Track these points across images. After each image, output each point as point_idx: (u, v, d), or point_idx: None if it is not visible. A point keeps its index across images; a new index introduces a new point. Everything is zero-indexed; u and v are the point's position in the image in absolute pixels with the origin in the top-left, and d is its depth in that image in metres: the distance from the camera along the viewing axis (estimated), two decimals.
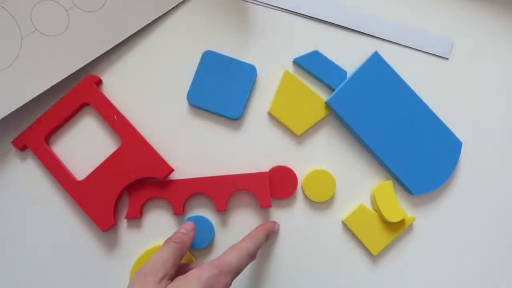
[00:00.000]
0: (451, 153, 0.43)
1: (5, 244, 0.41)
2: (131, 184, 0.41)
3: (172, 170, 0.41)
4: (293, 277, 0.43)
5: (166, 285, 0.32)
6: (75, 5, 0.40)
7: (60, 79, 0.40)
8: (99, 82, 0.42)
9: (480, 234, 0.44)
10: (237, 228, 0.42)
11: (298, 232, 0.43)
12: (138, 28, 0.42)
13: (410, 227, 0.43)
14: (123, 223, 0.42)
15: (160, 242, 0.42)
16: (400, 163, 0.42)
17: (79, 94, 0.41)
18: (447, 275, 0.44)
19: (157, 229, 0.42)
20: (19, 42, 0.39)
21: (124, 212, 0.42)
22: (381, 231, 0.42)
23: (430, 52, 0.44)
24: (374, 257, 0.43)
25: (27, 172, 0.42)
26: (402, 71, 0.42)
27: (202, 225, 0.41)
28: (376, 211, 0.43)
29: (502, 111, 0.45)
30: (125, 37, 0.41)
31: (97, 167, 0.40)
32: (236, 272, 0.34)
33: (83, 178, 0.40)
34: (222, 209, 0.41)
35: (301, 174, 0.43)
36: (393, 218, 0.42)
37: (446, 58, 0.44)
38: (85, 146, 0.42)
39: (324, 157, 0.43)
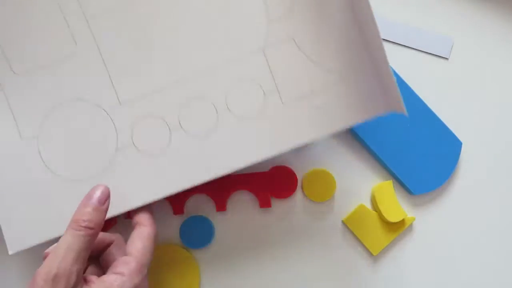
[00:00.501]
0: (451, 153, 0.43)
1: None
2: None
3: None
4: (292, 277, 0.43)
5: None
6: (181, 127, 0.36)
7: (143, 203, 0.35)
8: None
9: (480, 234, 0.44)
10: (237, 228, 0.42)
11: (298, 232, 0.43)
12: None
13: (410, 227, 0.43)
14: (123, 223, 0.42)
15: (161, 243, 0.42)
16: (400, 163, 0.42)
17: None
18: (447, 275, 0.44)
19: (157, 230, 0.42)
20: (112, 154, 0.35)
21: None
22: (381, 231, 0.42)
23: (430, 52, 0.44)
24: (374, 257, 0.43)
25: None
26: (402, 71, 0.42)
27: (202, 225, 0.41)
28: (376, 211, 0.43)
29: (502, 111, 0.44)
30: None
31: None
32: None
33: None
34: (222, 209, 0.41)
35: (301, 174, 0.43)
36: (393, 218, 0.42)
37: (446, 58, 0.44)
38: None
39: (324, 157, 0.43)
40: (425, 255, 0.44)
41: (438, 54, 0.44)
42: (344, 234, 0.43)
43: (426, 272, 0.44)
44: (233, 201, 0.42)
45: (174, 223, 0.42)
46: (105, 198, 0.31)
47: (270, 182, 0.41)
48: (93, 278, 0.30)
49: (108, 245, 0.34)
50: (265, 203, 0.41)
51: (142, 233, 0.33)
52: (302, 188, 0.43)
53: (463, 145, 0.43)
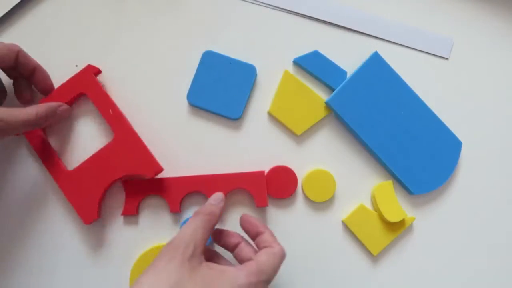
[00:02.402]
0: (451, 153, 0.43)
1: None
2: (119, 180, 0.41)
3: (162, 170, 0.40)
4: (293, 277, 0.43)
5: (199, 264, 0.31)
6: None
7: None
8: (98, 73, 0.42)
9: (480, 234, 0.44)
10: (237, 227, 0.42)
11: (298, 232, 0.43)
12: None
13: (410, 227, 0.43)
14: (119, 220, 0.42)
15: (157, 241, 0.42)
16: (400, 163, 0.42)
17: (77, 83, 0.40)
18: (447, 275, 0.44)
19: (154, 227, 0.42)
20: None
21: (119, 208, 0.42)
22: (381, 231, 0.42)
23: (430, 52, 0.44)
24: (374, 257, 0.43)
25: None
26: (402, 71, 0.42)
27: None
28: (376, 211, 0.43)
29: (502, 111, 0.44)
30: None
31: (87, 159, 0.40)
32: (270, 282, 0.33)
33: (72, 169, 0.40)
34: None
35: (301, 174, 0.43)
36: (393, 218, 0.42)
37: (446, 58, 0.44)
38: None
39: (324, 157, 0.43)
40: (425, 255, 0.44)
41: (438, 54, 0.44)
42: (344, 234, 0.43)
43: (426, 272, 0.44)
44: (233, 200, 0.42)
45: (171, 221, 0.42)
46: (221, 202, 0.37)
47: (270, 182, 0.41)
48: (213, 264, 0.32)
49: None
50: (261, 202, 0.41)
51: (272, 250, 0.34)
52: (302, 188, 0.43)
53: (463, 145, 0.43)
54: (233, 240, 0.37)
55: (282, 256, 0.34)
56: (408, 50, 0.44)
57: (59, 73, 0.41)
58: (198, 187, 0.41)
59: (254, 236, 0.36)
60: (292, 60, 0.43)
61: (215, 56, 0.42)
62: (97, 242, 0.42)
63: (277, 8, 0.43)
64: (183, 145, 0.42)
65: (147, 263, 0.41)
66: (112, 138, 0.40)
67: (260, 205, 0.41)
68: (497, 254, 0.44)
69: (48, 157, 0.40)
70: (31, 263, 0.41)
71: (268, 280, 0.33)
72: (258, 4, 0.43)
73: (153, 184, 0.41)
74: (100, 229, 0.41)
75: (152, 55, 0.43)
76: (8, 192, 0.42)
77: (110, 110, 0.40)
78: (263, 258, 0.33)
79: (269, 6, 0.43)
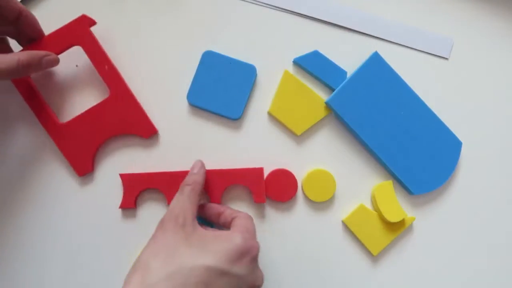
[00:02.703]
0: (451, 153, 0.43)
1: None
2: (113, 137, 0.41)
3: (156, 131, 0.41)
4: (293, 276, 0.43)
5: (193, 230, 0.33)
6: None
7: None
8: (92, 25, 0.40)
9: (480, 234, 0.44)
10: None
11: (298, 232, 0.43)
12: None
13: (410, 227, 0.43)
14: (117, 214, 0.41)
15: None
16: (400, 163, 0.42)
17: (70, 33, 0.39)
18: (447, 275, 0.44)
19: (152, 221, 0.41)
20: None
21: (117, 201, 0.41)
22: (381, 231, 0.42)
23: (430, 52, 0.44)
24: (374, 257, 0.43)
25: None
26: (402, 71, 0.42)
27: (202, 225, 0.41)
28: (376, 211, 0.43)
29: (502, 111, 0.44)
30: None
31: (82, 113, 0.40)
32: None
33: (65, 121, 0.40)
34: (217, 202, 0.40)
35: (301, 174, 0.43)
36: (393, 218, 0.42)
37: (446, 58, 0.44)
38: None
39: (324, 157, 0.43)
40: (425, 255, 0.44)
41: (438, 54, 0.44)
42: (344, 234, 0.43)
43: (426, 272, 0.44)
44: (233, 199, 0.42)
45: None
46: (202, 168, 0.38)
47: (270, 186, 0.42)
48: (207, 230, 0.34)
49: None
50: (259, 198, 0.40)
51: (244, 216, 0.37)
52: (302, 188, 0.43)
53: (463, 145, 0.43)
54: (216, 210, 0.38)
55: (252, 218, 0.37)
56: (408, 50, 0.44)
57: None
58: None
59: (217, 217, 0.38)
60: (292, 60, 0.43)
61: (215, 56, 0.42)
62: (96, 235, 0.42)
63: (277, 8, 0.43)
64: (182, 144, 0.42)
65: None
66: (107, 94, 0.40)
67: (258, 201, 0.41)
68: (497, 254, 0.44)
69: (40, 108, 0.40)
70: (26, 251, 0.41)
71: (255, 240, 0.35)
72: (258, 4, 0.43)
73: (151, 178, 0.41)
74: (98, 222, 0.41)
75: (152, 55, 0.43)
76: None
77: (106, 66, 0.40)
78: (243, 221, 0.35)
79: (269, 6, 0.43)
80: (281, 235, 0.43)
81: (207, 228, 0.37)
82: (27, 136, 0.42)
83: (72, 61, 0.41)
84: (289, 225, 0.43)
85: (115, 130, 0.40)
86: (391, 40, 0.44)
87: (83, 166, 0.40)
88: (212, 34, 0.43)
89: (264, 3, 0.43)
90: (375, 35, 0.44)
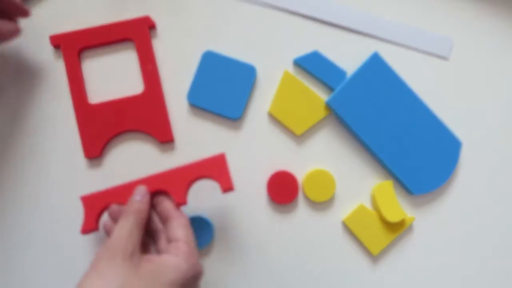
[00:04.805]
0: (451, 153, 0.43)
1: None
2: (130, 132, 0.42)
3: (172, 140, 0.42)
4: (293, 276, 0.43)
5: (140, 260, 0.31)
6: None
7: None
8: (152, 27, 0.42)
9: (480, 234, 0.44)
10: (237, 228, 0.42)
11: (298, 232, 0.43)
12: None
13: (410, 227, 0.43)
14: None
15: None
16: (400, 163, 0.42)
17: (129, 27, 0.42)
18: (447, 275, 0.44)
19: None
20: None
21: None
22: (381, 231, 0.43)
23: (430, 52, 0.44)
24: (374, 257, 0.43)
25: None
26: (402, 71, 0.42)
27: (202, 225, 0.41)
28: (376, 211, 0.43)
29: (502, 111, 0.44)
30: None
31: (111, 100, 0.41)
32: None
33: (93, 103, 0.41)
34: (184, 203, 0.37)
35: (301, 174, 0.43)
36: (393, 218, 0.42)
37: (446, 58, 0.44)
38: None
39: (324, 157, 0.43)
40: (425, 255, 0.44)
41: (438, 54, 0.44)
42: (344, 234, 0.43)
43: (426, 272, 0.44)
44: (234, 199, 0.42)
45: None
46: (146, 195, 0.36)
47: (272, 188, 0.42)
48: (152, 257, 0.33)
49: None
50: (226, 185, 0.37)
51: (181, 222, 0.35)
52: (302, 188, 0.43)
53: (463, 145, 0.43)
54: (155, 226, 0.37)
55: (188, 223, 0.36)
56: (408, 50, 0.44)
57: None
58: (159, 185, 0.38)
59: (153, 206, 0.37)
60: (292, 60, 0.43)
61: (215, 56, 0.42)
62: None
63: (277, 8, 0.43)
64: (182, 144, 0.42)
65: None
66: (141, 91, 0.42)
67: (226, 189, 0.37)
68: (497, 254, 0.44)
69: (76, 83, 0.41)
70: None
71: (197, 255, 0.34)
72: (258, 4, 0.43)
73: (110, 194, 0.38)
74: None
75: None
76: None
77: (149, 65, 0.41)
78: (182, 233, 0.34)
79: (269, 6, 0.43)
80: (281, 235, 0.43)
81: (148, 249, 0.36)
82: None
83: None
84: (289, 225, 0.43)
85: (134, 125, 0.41)
86: (391, 40, 0.44)
87: (93, 149, 0.41)
88: (212, 34, 0.43)
89: (264, 3, 0.43)
90: (375, 35, 0.44)
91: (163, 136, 0.42)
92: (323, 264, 0.43)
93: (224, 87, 0.42)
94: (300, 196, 0.43)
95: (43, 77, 0.42)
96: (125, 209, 0.35)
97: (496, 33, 0.45)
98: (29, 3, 0.42)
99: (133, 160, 0.42)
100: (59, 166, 0.42)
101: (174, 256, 0.33)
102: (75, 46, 0.42)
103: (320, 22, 0.44)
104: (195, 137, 0.42)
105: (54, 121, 0.42)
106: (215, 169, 0.38)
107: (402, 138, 0.42)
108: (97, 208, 0.38)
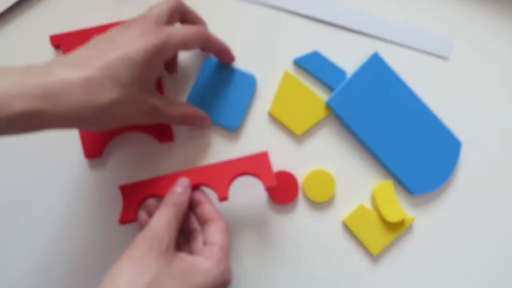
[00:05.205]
0: (450, 153, 0.43)
1: None
2: (130, 132, 0.41)
3: (172, 140, 0.41)
4: (293, 277, 0.43)
5: (173, 257, 0.32)
6: None
7: None
8: None
9: (480, 234, 0.44)
10: (237, 228, 0.42)
11: (298, 232, 0.43)
12: None
13: (410, 227, 0.43)
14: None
15: None
16: (400, 163, 0.42)
17: None
18: (447, 275, 0.44)
19: None
20: None
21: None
22: (381, 231, 0.43)
23: (430, 52, 0.44)
24: (374, 257, 0.43)
25: None
26: (402, 71, 0.42)
27: None
28: (376, 211, 0.43)
29: (502, 111, 0.44)
30: None
31: None
32: None
33: None
34: (225, 198, 0.38)
35: (301, 174, 0.43)
36: (393, 218, 0.42)
37: (446, 58, 0.44)
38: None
39: (324, 157, 0.43)
40: (425, 255, 0.44)
41: (438, 54, 0.44)
42: (344, 234, 0.43)
43: (426, 272, 0.44)
44: (235, 200, 0.42)
45: None
46: (188, 188, 0.37)
47: (271, 188, 0.41)
48: (185, 256, 0.33)
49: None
50: (270, 182, 0.38)
51: (220, 227, 0.35)
52: (302, 188, 0.43)
53: (463, 145, 0.43)
54: (196, 198, 0.37)
55: (228, 228, 0.36)
56: (408, 50, 0.44)
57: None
58: (201, 179, 0.38)
59: (195, 206, 0.37)
60: (292, 60, 0.43)
61: (216, 63, 0.42)
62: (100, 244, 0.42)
63: (277, 8, 0.43)
64: (182, 145, 0.42)
65: None
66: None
67: (269, 186, 0.38)
68: (497, 254, 0.44)
69: None
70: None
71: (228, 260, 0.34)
72: (258, 4, 0.43)
73: (150, 185, 0.38)
74: (100, 233, 0.42)
75: None
76: None
77: None
78: (220, 237, 0.34)
79: (269, 6, 0.43)
80: (281, 234, 0.43)
81: (181, 246, 0.36)
82: None
83: None
84: (289, 225, 0.43)
85: (136, 126, 0.41)
86: (391, 40, 0.44)
87: (93, 150, 0.41)
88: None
89: (264, 3, 0.43)
90: (375, 35, 0.44)
91: (163, 137, 0.41)
92: (323, 264, 0.43)
93: (223, 96, 0.42)
94: (300, 196, 0.43)
95: None
96: (165, 200, 0.35)
97: (496, 33, 0.44)
98: (29, 3, 0.42)
99: (134, 161, 0.42)
100: (59, 167, 0.42)
101: (207, 259, 0.33)
102: (75, 46, 0.41)
103: (320, 22, 0.44)
104: (195, 137, 0.42)
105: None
106: (259, 166, 0.38)
107: (402, 138, 0.42)
108: (136, 198, 0.38)
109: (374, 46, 0.43)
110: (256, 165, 0.38)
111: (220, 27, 0.43)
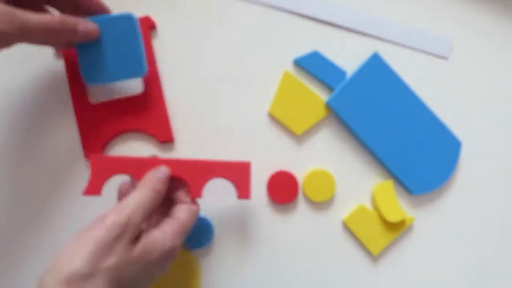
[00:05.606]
0: (450, 153, 0.43)
1: None
2: (130, 131, 0.41)
3: (172, 140, 0.41)
4: (293, 276, 0.43)
5: (137, 243, 0.31)
6: None
7: None
8: (152, 28, 0.42)
9: (480, 234, 0.44)
10: (237, 228, 0.42)
11: (298, 232, 0.43)
12: None
13: (410, 227, 0.43)
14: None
15: None
16: (400, 163, 0.42)
17: None
18: (447, 275, 0.44)
19: None
20: None
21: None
22: (381, 231, 0.43)
23: (430, 52, 0.44)
24: (374, 257, 0.43)
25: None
26: (402, 71, 0.42)
27: (202, 225, 0.41)
28: (376, 211, 0.43)
29: (502, 111, 0.44)
30: None
31: (111, 100, 0.41)
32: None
33: (93, 103, 0.41)
34: (198, 196, 0.37)
35: (301, 174, 0.43)
36: (393, 218, 0.42)
37: (446, 58, 0.44)
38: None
39: (324, 157, 0.43)
40: (425, 255, 0.44)
41: (438, 54, 0.44)
42: (344, 234, 0.43)
43: (426, 272, 0.44)
44: (234, 200, 0.42)
45: None
46: (167, 179, 0.36)
47: (272, 188, 0.42)
48: (144, 238, 0.32)
49: None
50: (244, 194, 0.38)
51: (191, 208, 0.36)
52: (302, 188, 0.43)
53: (463, 145, 0.43)
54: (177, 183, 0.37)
55: (197, 214, 0.36)
56: (408, 50, 0.44)
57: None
58: (178, 172, 0.37)
59: (174, 189, 0.37)
60: (292, 60, 0.43)
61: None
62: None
63: (277, 8, 0.43)
64: (183, 145, 0.42)
65: None
66: (141, 91, 0.41)
67: (242, 197, 0.38)
68: (497, 254, 0.44)
69: (76, 83, 0.41)
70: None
71: (185, 236, 0.35)
72: (258, 4, 0.43)
73: (124, 163, 0.37)
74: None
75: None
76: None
77: (149, 65, 0.41)
78: (185, 216, 0.35)
79: (269, 6, 0.43)
80: (281, 234, 0.43)
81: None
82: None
83: None
84: (289, 225, 0.43)
85: (135, 126, 0.41)
86: (391, 40, 0.44)
87: (93, 150, 0.41)
88: (212, 34, 0.43)
89: (264, 3, 0.43)
90: (375, 35, 0.44)
91: (163, 136, 0.42)
92: (323, 264, 0.43)
93: (113, 50, 0.38)
94: (300, 196, 0.43)
95: (43, 77, 0.42)
96: (147, 183, 0.34)
97: (496, 33, 0.45)
98: None
99: None
100: (59, 167, 0.42)
101: (161, 233, 0.33)
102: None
103: (320, 22, 0.44)
104: (195, 137, 0.42)
105: (54, 121, 0.42)
106: (238, 175, 0.38)
107: (402, 138, 0.42)
108: (106, 173, 0.37)
109: (374, 46, 0.43)
110: (236, 173, 0.38)
111: (220, 27, 0.43)
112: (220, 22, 0.43)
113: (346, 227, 0.43)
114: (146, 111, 0.41)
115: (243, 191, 0.38)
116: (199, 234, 0.41)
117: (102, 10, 0.38)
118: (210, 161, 0.38)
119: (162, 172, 0.36)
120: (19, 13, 0.31)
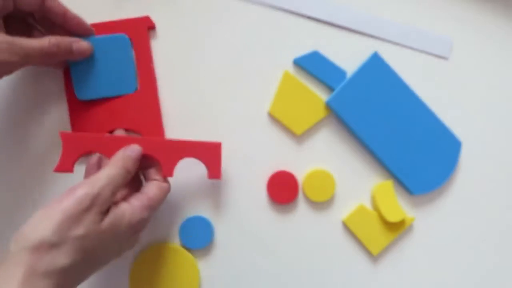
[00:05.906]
0: (450, 153, 0.43)
1: None
2: (124, 130, 0.41)
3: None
4: (293, 276, 0.43)
5: (105, 217, 0.32)
6: None
7: None
8: (151, 28, 0.42)
9: (480, 234, 0.44)
10: (237, 228, 0.42)
11: (298, 232, 0.43)
12: None
13: (410, 227, 0.43)
14: None
15: (161, 243, 0.42)
16: (400, 163, 0.42)
17: (128, 26, 0.41)
18: (447, 275, 0.44)
19: (156, 231, 0.42)
20: None
21: None
22: (381, 231, 0.43)
23: (430, 52, 0.44)
24: (374, 257, 0.43)
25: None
26: (402, 71, 0.42)
27: (202, 225, 0.41)
28: (376, 211, 0.43)
29: (502, 111, 0.44)
30: None
31: (105, 98, 0.41)
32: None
33: (88, 101, 0.41)
34: (169, 175, 0.38)
35: (301, 174, 0.43)
36: (393, 218, 0.42)
37: (446, 58, 0.44)
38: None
39: (324, 157, 0.43)
40: (425, 255, 0.44)
41: (438, 54, 0.44)
42: (344, 234, 0.43)
43: (426, 272, 0.44)
44: (233, 199, 0.42)
45: (174, 223, 0.42)
46: (138, 159, 0.36)
47: (272, 188, 0.42)
48: (112, 212, 0.33)
49: None
50: (214, 174, 0.38)
51: (162, 185, 0.37)
52: (302, 188, 0.43)
53: (463, 145, 0.43)
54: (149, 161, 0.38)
55: (168, 192, 0.37)
56: (408, 50, 0.44)
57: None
58: (149, 151, 0.37)
59: (147, 166, 0.38)
60: (292, 60, 0.43)
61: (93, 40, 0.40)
62: None
63: (277, 8, 0.43)
64: None
65: (147, 263, 0.41)
66: (135, 90, 0.41)
67: (213, 177, 0.38)
68: (498, 254, 0.44)
69: (71, 80, 0.41)
70: None
71: (154, 212, 0.36)
72: (258, 4, 0.43)
73: (95, 141, 0.37)
74: None
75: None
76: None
77: (145, 65, 0.41)
78: (154, 192, 0.36)
79: (269, 6, 0.43)
80: (281, 235, 0.43)
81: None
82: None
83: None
84: (289, 225, 0.43)
85: (127, 125, 0.41)
86: (391, 40, 0.44)
87: None
88: (212, 34, 0.43)
89: (264, 3, 0.43)
90: (375, 35, 0.44)
91: (155, 136, 0.41)
92: (323, 264, 0.43)
93: (106, 68, 0.40)
94: (300, 196, 0.43)
95: (38, 75, 0.42)
96: (117, 160, 0.35)
97: (496, 33, 0.45)
98: None
99: None
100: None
101: (129, 207, 0.34)
102: None
103: (320, 22, 0.43)
104: (195, 137, 0.42)
105: (49, 119, 0.42)
106: (209, 155, 0.38)
107: (402, 138, 0.42)
108: (77, 150, 0.37)
109: (374, 46, 0.43)
110: (207, 153, 0.38)
111: (220, 27, 0.43)
112: (220, 22, 0.43)
113: (346, 227, 0.43)
114: (139, 111, 0.41)
115: (214, 171, 0.38)
116: (199, 234, 0.41)
117: (85, 31, 0.39)
118: (182, 141, 0.38)
119: (133, 150, 0.36)
120: (20, 43, 0.34)
